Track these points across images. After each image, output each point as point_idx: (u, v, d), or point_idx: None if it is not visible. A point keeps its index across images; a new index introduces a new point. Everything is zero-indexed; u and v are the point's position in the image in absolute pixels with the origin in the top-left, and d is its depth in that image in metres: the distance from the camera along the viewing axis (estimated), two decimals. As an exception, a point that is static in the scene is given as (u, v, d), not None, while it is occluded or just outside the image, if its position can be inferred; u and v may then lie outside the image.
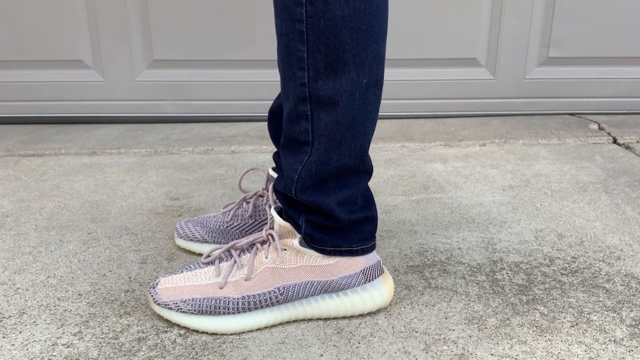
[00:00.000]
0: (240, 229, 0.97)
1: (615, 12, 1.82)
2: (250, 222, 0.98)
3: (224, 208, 1.01)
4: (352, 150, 0.72)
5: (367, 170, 0.76)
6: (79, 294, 0.87)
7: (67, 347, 0.74)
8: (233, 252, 0.80)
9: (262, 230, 0.96)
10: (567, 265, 0.94)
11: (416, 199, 1.23)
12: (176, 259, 0.98)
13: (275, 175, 0.94)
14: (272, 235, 0.79)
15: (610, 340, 0.74)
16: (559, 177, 1.35)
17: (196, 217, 1.02)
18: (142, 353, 0.73)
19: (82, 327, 0.78)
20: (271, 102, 1.17)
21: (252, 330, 0.77)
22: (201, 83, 1.88)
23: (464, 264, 0.95)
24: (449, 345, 0.74)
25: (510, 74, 1.88)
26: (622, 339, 0.75)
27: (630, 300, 0.83)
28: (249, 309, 0.76)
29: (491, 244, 1.02)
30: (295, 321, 0.79)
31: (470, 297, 0.85)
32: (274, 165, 0.98)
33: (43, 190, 1.32)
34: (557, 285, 0.88)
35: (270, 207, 0.94)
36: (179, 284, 0.78)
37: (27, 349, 0.74)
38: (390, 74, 1.84)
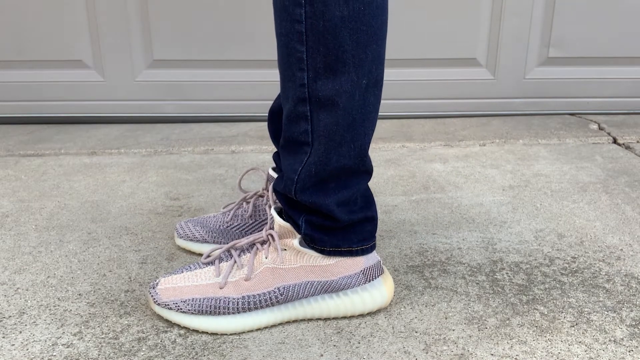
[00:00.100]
0: (240, 229, 0.97)
1: (615, 12, 1.82)
2: (250, 222, 0.98)
3: (224, 208, 1.01)
4: (351, 151, 0.72)
5: (367, 171, 0.76)
6: (79, 294, 0.87)
7: (67, 347, 0.74)
8: (233, 252, 0.80)
9: (262, 230, 0.96)
10: (567, 265, 0.94)
11: (416, 199, 1.23)
12: (176, 259, 0.98)
13: (275, 175, 0.94)
14: (272, 236, 0.79)
15: (610, 340, 0.74)
16: (559, 177, 1.35)
17: (196, 217, 1.02)
18: (142, 353, 0.73)
19: (82, 327, 0.78)
20: (271, 102, 1.17)
21: (252, 330, 0.77)
22: (201, 83, 1.88)
23: (464, 264, 0.95)
24: (449, 345, 0.74)
25: (510, 74, 1.88)
26: (622, 339, 0.75)
27: (630, 300, 0.83)
28: (249, 309, 0.76)
29: (491, 244, 1.02)
30: (295, 321, 0.79)
31: (470, 297, 0.85)
32: (274, 165, 0.98)
33: (43, 190, 1.32)
34: (557, 285, 0.88)
35: (270, 207, 0.94)
36: (179, 284, 0.78)
37: (27, 349, 0.74)
38: (390, 74, 1.84)
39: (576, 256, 0.97)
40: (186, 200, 1.24)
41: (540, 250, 0.99)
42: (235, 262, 0.79)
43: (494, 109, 1.92)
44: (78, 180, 1.38)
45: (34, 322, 0.80)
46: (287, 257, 0.77)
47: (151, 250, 1.01)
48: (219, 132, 1.79)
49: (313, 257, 0.77)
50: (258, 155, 1.57)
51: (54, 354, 0.73)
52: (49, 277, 0.92)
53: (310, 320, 0.80)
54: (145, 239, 1.06)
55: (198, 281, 0.78)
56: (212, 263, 0.81)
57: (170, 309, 0.77)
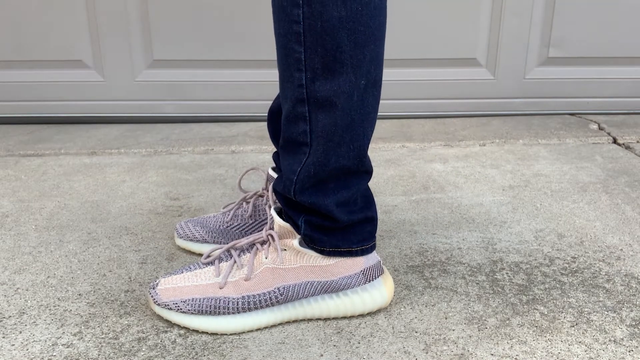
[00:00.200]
0: (240, 229, 0.97)
1: (615, 12, 1.82)
2: (250, 222, 0.98)
3: (223, 208, 1.01)
4: (350, 152, 0.72)
5: (366, 171, 0.76)
6: (79, 294, 0.87)
7: (67, 347, 0.74)
8: (233, 252, 0.80)
9: (262, 230, 0.96)
10: (567, 265, 0.94)
11: (416, 199, 1.23)
12: (176, 259, 0.98)
13: (275, 175, 0.94)
14: (272, 236, 0.79)
15: (610, 340, 0.74)
16: (559, 177, 1.36)
17: (196, 217, 1.02)
18: (142, 353, 0.73)
19: (82, 327, 0.78)
20: (271, 102, 1.17)
21: (252, 330, 0.77)
22: (201, 83, 1.88)
23: (464, 264, 0.95)
24: (449, 345, 0.74)
25: (510, 74, 1.88)
26: (622, 339, 0.75)
27: (630, 300, 0.83)
28: (249, 309, 0.76)
29: (491, 244, 1.02)
30: (295, 321, 0.79)
31: (470, 297, 0.85)
32: (273, 165, 0.98)
33: (43, 190, 1.32)
34: (557, 285, 0.88)
35: (270, 207, 0.94)
36: (179, 284, 0.78)
37: (27, 349, 0.74)
38: (390, 74, 1.84)
39: (576, 256, 0.97)
40: (186, 200, 1.24)
41: (540, 250, 0.99)
42: (235, 262, 0.79)
43: (494, 109, 1.92)
44: (78, 180, 1.38)
45: (34, 322, 0.80)
46: (287, 257, 0.77)
47: (151, 250, 1.01)
48: (219, 132, 1.79)
49: (313, 258, 0.77)
50: (258, 155, 1.57)
51: (54, 354, 0.73)
52: (49, 277, 0.92)
53: (310, 320, 0.80)
54: (145, 239, 1.06)
55: (198, 281, 0.78)
56: (212, 263, 0.81)
57: (170, 309, 0.77)
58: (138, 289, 0.88)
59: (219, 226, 0.98)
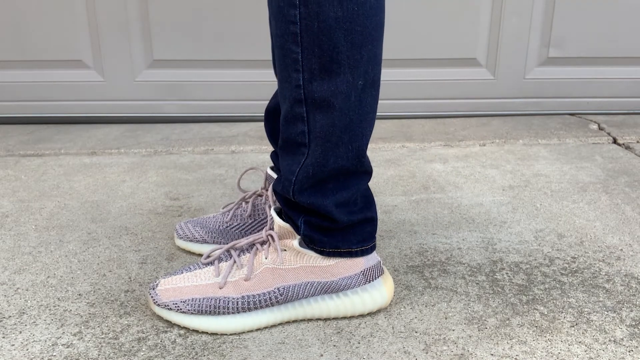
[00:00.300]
0: (240, 228, 0.97)
1: (615, 12, 1.82)
2: (250, 221, 0.98)
3: (223, 208, 1.01)
4: (349, 152, 0.72)
5: (365, 171, 0.76)
6: (79, 294, 0.87)
7: (67, 347, 0.74)
8: (233, 252, 0.80)
9: (261, 229, 0.96)
10: (567, 265, 0.94)
11: (416, 199, 1.23)
12: (176, 259, 0.98)
13: (273, 174, 0.94)
14: (271, 236, 0.79)
15: (610, 340, 0.74)
16: (559, 177, 1.35)
17: (196, 217, 1.02)
18: (142, 353, 0.73)
19: (82, 327, 0.78)
20: (270, 102, 1.17)
21: (252, 330, 0.77)
22: (201, 83, 1.88)
23: (464, 264, 0.95)
24: (449, 345, 0.74)
25: (510, 74, 1.88)
26: (622, 339, 0.75)
27: (630, 300, 0.83)
28: (249, 309, 0.76)
29: (491, 244, 1.02)
30: (295, 321, 0.79)
31: (470, 297, 0.85)
32: (272, 164, 0.98)
33: (43, 190, 1.32)
34: (557, 285, 0.88)
35: (270, 207, 0.94)
36: (179, 285, 0.78)
37: (27, 349, 0.74)
38: (390, 74, 1.84)
39: (576, 256, 0.97)
40: (186, 200, 1.24)
41: (540, 250, 0.99)
42: (235, 262, 0.79)
43: (494, 109, 1.92)
44: (78, 180, 1.38)
45: (34, 322, 0.80)
46: (287, 257, 0.77)
47: (151, 250, 1.01)
48: (219, 132, 1.79)
49: (313, 258, 0.77)
50: (258, 155, 1.57)
51: (54, 354, 0.73)
52: (49, 277, 0.92)
53: (310, 320, 0.80)
54: (145, 239, 1.06)
55: (198, 281, 0.78)
56: (212, 263, 0.81)
57: (170, 309, 0.77)
58: (138, 289, 0.88)
59: (219, 226, 0.98)
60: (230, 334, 0.76)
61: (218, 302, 0.76)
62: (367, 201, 0.78)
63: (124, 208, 1.20)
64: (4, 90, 1.88)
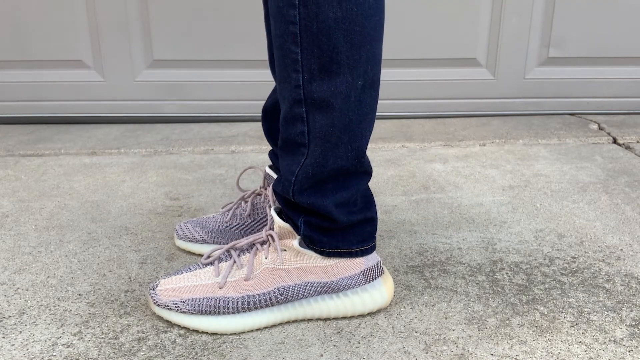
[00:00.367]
0: (240, 228, 0.97)
1: (615, 12, 1.82)
2: (249, 221, 0.98)
3: (222, 208, 1.01)
4: (349, 152, 0.72)
5: (365, 172, 0.76)
6: (79, 294, 0.87)
7: (67, 347, 0.74)
8: (233, 252, 0.80)
9: (261, 229, 0.96)
10: (567, 265, 0.94)
11: (416, 199, 1.23)
12: (176, 259, 0.98)
13: (272, 173, 0.94)
14: (271, 236, 0.79)
15: (610, 340, 0.74)
16: (559, 177, 1.35)
17: (195, 217, 1.02)
18: (142, 353, 0.73)
19: (82, 327, 0.78)
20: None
21: (252, 330, 0.77)
22: (201, 83, 1.88)
23: (464, 264, 0.95)
24: (449, 345, 0.74)
25: (510, 74, 1.88)
26: (622, 339, 0.75)
27: (630, 300, 0.83)
28: (249, 309, 0.76)
29: (491, 244, 1.02)
30: (295, 321, 0.79)
31: (470, 297, 0.85)
32: (271, 163, 0.98)
33: (43, 190, 1.32)
34: (557, 285, 0.88)
35: (270, 207, 0.94)
36: (179, 285, 0.78)
37: (27, 349, 0.74)
38: (390, 74, 1.84)
39: (576, 256, 0.97)
40: (186, 200, 1.24)
41: (540, 250, 0.99)
42: (234, 262, 0.79)
43: (494, 109, 1.92)
44: (78, 180, 1.38)
45: (34, 322, 0.80)
46: (287, 257, 0.77)
47: (151, 250, 1.01)
48: (219, 132, 1.79)
49: (313, 258, 0.77)
50: (258, 155, 1.57)
51: (54, 354, 0.73)
52: (49, 277, 0.92)
53: (310, 320, 0.80)
54: (145, 239, 1.06)
55: (197, 281, 0.78)
56: (212, 264, 0.81)
57: (170, 309, 0.77)
58: (138, 289, 0.88)
59: (219, 226, 0.98)
60: (230, 334, 0.76)
61: (218, 302, 0.76)
62: (367, 201, 0.78)
63: (124, 208, 1.20)
64: (4, 90, 1.88)
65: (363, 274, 0.78)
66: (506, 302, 0.83)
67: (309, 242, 0.76)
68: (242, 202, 1.00)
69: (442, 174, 1.38)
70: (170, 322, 0.78)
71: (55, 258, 0.99)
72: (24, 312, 0.82)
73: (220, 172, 1.42)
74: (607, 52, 1.86)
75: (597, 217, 1.12)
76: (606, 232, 1.06)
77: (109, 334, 0.77)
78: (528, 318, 0.79)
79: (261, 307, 0.77)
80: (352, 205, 0.76)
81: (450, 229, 1.08)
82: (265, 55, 1.82)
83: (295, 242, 0.77)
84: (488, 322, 0.78)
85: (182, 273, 0.80)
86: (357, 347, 0.73)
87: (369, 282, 0.79)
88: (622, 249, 0.99)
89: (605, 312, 0.81)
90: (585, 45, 1.86)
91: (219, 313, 0.76)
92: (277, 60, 0.70)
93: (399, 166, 1.45)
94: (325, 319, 0.80)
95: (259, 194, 0.99)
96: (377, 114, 0.76)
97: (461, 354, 0.72)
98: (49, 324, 0.79)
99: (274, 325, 0.78)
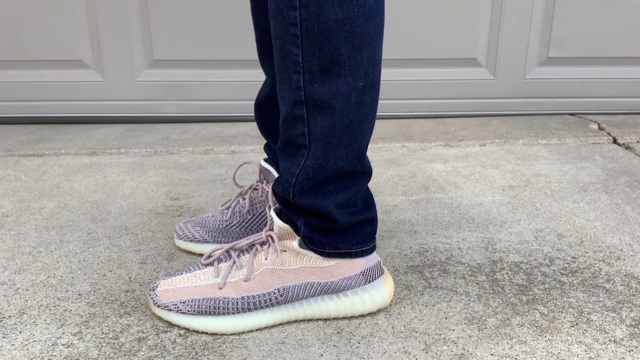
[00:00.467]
0: (240, 226, 0.97)
1: (615, 12, 1.82)
2: (249, 217, 0.98)
3: (221, 206, 1.01)
4: (349, 153, 0.72)
5: (365, 172, 0.76)
6: (79, 294, 0.87)
7: (67, 347, 0.74)
8: (232, 253, 0.80)
9: (261, 225, 0.97)
10: (567, 265, 0.94)
11: (416, 199, 1.23)
12: (176, 259, 0.98)
13: (267, 166, 0.94)
14: (271, 237, 0.79)
15: (610, 340, 0.74)
16: (559, 177, 1.35)
17: (195, 217, 1.02)
18: (142, 353, 0.73)
19: (82, 327, 0.78)
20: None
21: (252, 331, 0.77)
22: (201, 83, 1.88)
23: (464, 264, 0.95)
24: (449, 345, 0.74)
25: (510, 74, 1.88)
26: (622, 339, 0.75)
27: (630, 300, 0.83)
28: (249, 310, 0.76)
29: (491, 244, 1.02)
30: (295, 321, 0.79)
31: (470, 297, 0.85)
32: (266, 157, 0.98)
33: (43, 190, 1.32)
34: (557, 285, 0.88)
35: (269, 208, 0.94)
36: (178, 285, 0.78)
37: (27, 349, 0.74)
38: (389, 74, 1.84)
39: (576, 256, 0.97)
40: (186, 200, 1.24)
41: (540, 250, 0.99)
42: (234, 262, 0.79)
43: (494, 109, 1.92)
44: (78, 180, 1.38)
45: (34, 322, 0.80)
46: (286, 258, 0.77)
47: (151, 250, 1.01)
48: (219, 132, 1.79)
49: (313, 259, 0.77)
50: (258, 155, 1.57)
51: (54, 354, 0.73)
52: (49, 277, 0.92)
53: (310, 320, 0.80)
54: (145, 239, 1.06)
55: (197, 282, 0.78)
56: (211, 264, 0.81)
57: (170, 310, 0.77)
58: (138, 289, 0.88)
59: (219, 225, 0.98)
60: (230, 334, 0.76)
61: (218, 302, 0.76)
62: (367, 202, 0.78)
63: (124, 208, 1.20)
64: (4, 90, 1.88)
65: (363, 274, 0.78)
66: (506, 302, 0.83)
67: (309, 243, 0.76)
68: (240, 199, 1.00)
69: (442, 174, 1.38)
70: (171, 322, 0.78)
71: (55, 258, 0.99)
72: (24, 312, 0.82)
73: (220, 172, 1.42)
74: (607, 52, 1.86)
75: (597, 217, 1.12)
76: (606, 232, 1.06)
77: (109, 334, 0.77)
78: (528, 318, 0.79)
79: (261, 307, 0.77)
80: (352, 206, 0.76)
81: (450, 229, 1.08)
82: (265, 55, 1.82)
83: (295, 243, 0.77)
84: (488, 322, 0.78)
85: (181, 274, 0.80)
86: (357, 347, 0.73)
87: (369, 282, 0.79)
88: (622, 249, 0.99)
89: (605, 312, 0.81)
90: (585, 45, 1.86)
91: (218, 314, 0.76)
92: (277, 61, 0.70)
93: (399, 166, 1.45)
94: (325, 319, 0.80)
95: (256, 189, 0.99)
96: (377, 114, 0.76)
97: (461, 354, 0.72)
98: (49, 324, 0.79)
99: (274, 326, 0.78)
